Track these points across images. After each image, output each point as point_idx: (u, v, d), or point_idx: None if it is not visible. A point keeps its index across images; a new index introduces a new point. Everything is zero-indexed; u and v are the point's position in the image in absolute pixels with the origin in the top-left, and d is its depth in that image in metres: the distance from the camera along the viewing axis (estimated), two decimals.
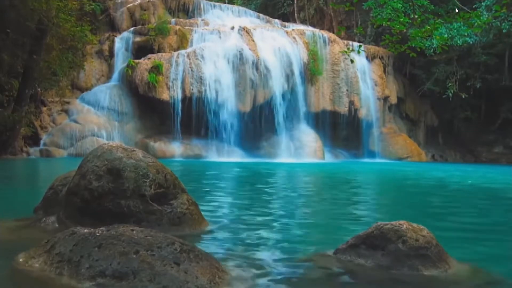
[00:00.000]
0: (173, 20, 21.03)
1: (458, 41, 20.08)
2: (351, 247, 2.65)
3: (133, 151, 3.36)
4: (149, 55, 18.91)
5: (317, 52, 21.46)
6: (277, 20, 24.60)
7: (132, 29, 20.58)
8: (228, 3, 28.47)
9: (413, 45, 8.26)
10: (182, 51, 19.07)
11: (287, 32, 21.44)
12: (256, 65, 19.39)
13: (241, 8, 25.50)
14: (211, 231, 3.45)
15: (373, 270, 2.45)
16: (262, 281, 2.29)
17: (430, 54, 20.83)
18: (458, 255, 2.69)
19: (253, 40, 19.98)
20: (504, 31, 19.84)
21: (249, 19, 23.19)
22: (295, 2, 29.29)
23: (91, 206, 3.13)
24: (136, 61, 18.64)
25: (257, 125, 19.97)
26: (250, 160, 17.99)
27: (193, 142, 18.61)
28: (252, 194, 6.75)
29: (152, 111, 19.01)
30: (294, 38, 21.14)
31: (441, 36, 11.99)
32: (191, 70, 18.55)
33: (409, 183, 9.82)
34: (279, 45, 20.36)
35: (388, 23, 8.49)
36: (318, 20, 28.91)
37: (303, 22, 27.51)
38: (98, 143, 14.90)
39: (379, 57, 23.64)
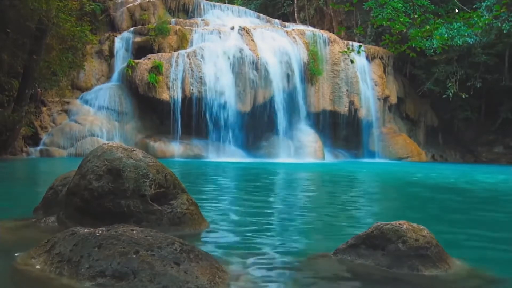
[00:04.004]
0: (173, 20, 21.02)
1: (458, 41, 20.08)
2: (351, 247, 2.65)
3: (133, 151, 3.36)
4: (149, 55, 18.91)
5: (317, 52, 21.46)
6: (277, 20, 24.60)
7: (132, 29, 20.58)
8: (228, 3, 28.47)
9: (413, 45, 8.26)
10: (182, 51, 19.07)
11: (287, 32, 21.44)
12: (256, 65, 19.38)
13: (241, 8, 25.49)
14: (211, 231, 3.45)
15: (373, 270, 2.45)
16: (262, 281, 2.29)
17: (430, 54, 20.84)
18: (458, 255, 2.69)
19: (253, 40, 19.98)
20: (504, 31, 19.84)
21: (249, 19, 23.18)
22: (295, 2, 29.29)
23: (91, 206, 3.13)
24: (136, 61, 18.63)
25: (257, 125, 19.96)
26: (250, 160, 17.99)
27: (193, 142, 18.61)
28: (252, 194, 6.75)
29: (152, 111, 19.01)
30: (294, 38, 21.14)
31: (441, 36, 11.99)
32: (191, 70, 18.55)
33: (409, 183, 9.82)
34: (279, 45, 20.35)
35: (388, 23, 8.48)
36: (318, 20, 28.92)
37: (303, 22, 27.51)
38: (98, 143, 14.90)
39: (379, 57, 23.64)
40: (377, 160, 21.98)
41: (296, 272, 2.50)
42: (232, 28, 20.53)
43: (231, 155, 18.42)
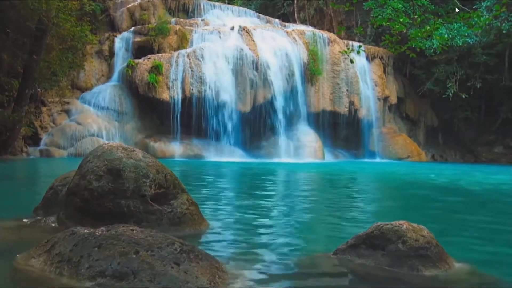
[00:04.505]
0: (173, 20, 21.02)
1: (458, 41, 20.07)
2: (351, 247, 2.65)
3: (133, 151, 3.36)
4: (149, 55, 18.91)
5: (317, 52, 21.46)
6: (277, 20, 24.59)
7: (132, 29, 20.58)
8: (228, 3, 28.46)
9: (413, 45, 8.25)
10: (182, 51, 19.06)
11: (287, 32, 21.44)
12: (256, 65, 19.38)
13: (241, 8, 25.49)
14: (211, 231, 3.45)
15: (373, 270, 2.45)
16: (262, 281, 2.29)
17: (430, 54, 20.84)
18: (458, 255, 2.69)
19: (253, 40, 19.98)
20: (504, 31, 19.83)
21: (249, 19, 23.17)
22: (295, 2, 29.28)
23: (91, 206, 3.13)
24: (136, 61, 18.63)
25: (257, 125, 19.96)
26: (250, 160, 17.99)
27: (193, 142, 18.61)
28: (252, 194, 6.75)
29: (152, 111, 19.01)
30: (294, 38, 21.13)
31: (441, 36, 11.98)
32: (191, 70, 18.55)
33: (410, 183, 9.82)
34: (279, 45, 20.35)
35: (388, 23, 8.48)
36: (318, 20, 28.91)
37: (303, 22, 27.50)
38: (98, 143, 14.90)
39: (379, 57, 23.64)
40: (377, 160, 21.98)
41: (296, 272, 2.50)
42: (232, 28, 20.53)
43: (231, 155, 18.42)
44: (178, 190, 3.40)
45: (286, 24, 24.36)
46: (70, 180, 3.42)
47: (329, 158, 20.70)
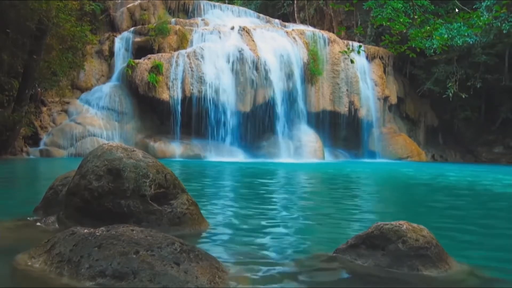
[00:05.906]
0: (173, 20, 21.03)
1: (458, 41, 20.07)
2: (351, 247, 2.65)
3: (133, 151, 3.36)
4: (149, 55, 18.91)
5: (317, 52, 21.46)
6: (277, 20, 24.60)
7: (132, 29, 20.58)
8: (228, 3, 28.46)
9: (413, 45, 8.25)
10: (182, 51, 19.07)
11: (287, 32, 21.44)
12: (256, 65, 19.38)
13: (241, 8, 25.49)
14: (211, 231, 3.45)
15: (373, 270, 2.45)
16: (262, 281, 2.29)
17: (430, 54, 20.84)
18: (458, 255, 2.69)
19: (253, 40, 19.98)
20: (504, 31, 19.83)
21: (249, 19, 23.18)
22: (295, 2, 29.28)
23: (91, 206, 3.13)
24: (136, 61, 18.63)
25: (257, 125, 19.96)
26: (250, 160, 17.99)
27: (193, 142, 18.61)
28: (252, 194, 6.75)
29: (152, 111, 19.01)
30: (294, 38, 21.14)
31: (441, 36, 11.97)
32: (191, 70, 18.55)
33: (409, 183, 9.82)
34: (279, 45, 20.36)
35: (388, 23, 8.48)
36: (318, 20, 28.91)
37: (303, 22, 27.51)
38: (98, 143, 14.91)
39: (379, 57, 23.64)
40: (377, 160, 21.98)
41: (296, 272, 2.49)
42: (232, 28, 20.52)
43: (231, 155, 18.42)
44: (178, 190, 3.40)
45: (286, 24, 24.37)
46: (70, 180, 3.42)
47: (329, 158, 20.70)
